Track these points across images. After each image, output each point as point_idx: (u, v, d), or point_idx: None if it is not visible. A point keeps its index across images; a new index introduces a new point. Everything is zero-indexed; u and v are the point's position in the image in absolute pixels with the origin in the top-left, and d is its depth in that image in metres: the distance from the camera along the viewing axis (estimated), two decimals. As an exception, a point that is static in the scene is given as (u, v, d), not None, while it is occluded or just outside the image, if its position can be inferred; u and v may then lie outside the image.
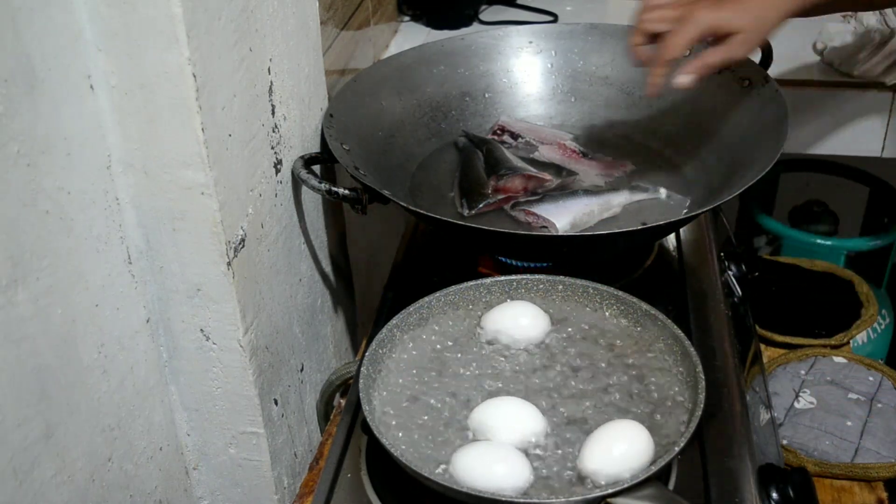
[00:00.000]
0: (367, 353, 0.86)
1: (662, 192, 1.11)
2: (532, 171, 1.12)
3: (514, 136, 1.22)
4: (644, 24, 0.96)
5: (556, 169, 1.15)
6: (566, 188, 1.10)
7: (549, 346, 0.89)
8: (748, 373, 0.99)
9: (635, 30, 0.97)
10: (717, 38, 0.93)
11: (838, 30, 1.52)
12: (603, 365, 0.87)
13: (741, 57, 0.95)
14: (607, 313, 0.92)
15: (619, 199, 1.09)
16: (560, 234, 1.03)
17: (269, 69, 0.92)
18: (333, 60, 1.27)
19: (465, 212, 1.08)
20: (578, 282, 0.93)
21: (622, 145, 1.21)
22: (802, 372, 1.12)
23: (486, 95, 1.26)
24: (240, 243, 0.88)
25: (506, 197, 1.09)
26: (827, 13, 0.98)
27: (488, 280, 0.94)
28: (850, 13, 1.53)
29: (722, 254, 1.14)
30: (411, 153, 1.19)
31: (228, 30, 0.83)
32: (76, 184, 0.75)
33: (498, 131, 1.22)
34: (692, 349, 0.84)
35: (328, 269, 1.15)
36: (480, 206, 1.07)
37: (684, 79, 0.95)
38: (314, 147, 1.07)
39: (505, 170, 1.10)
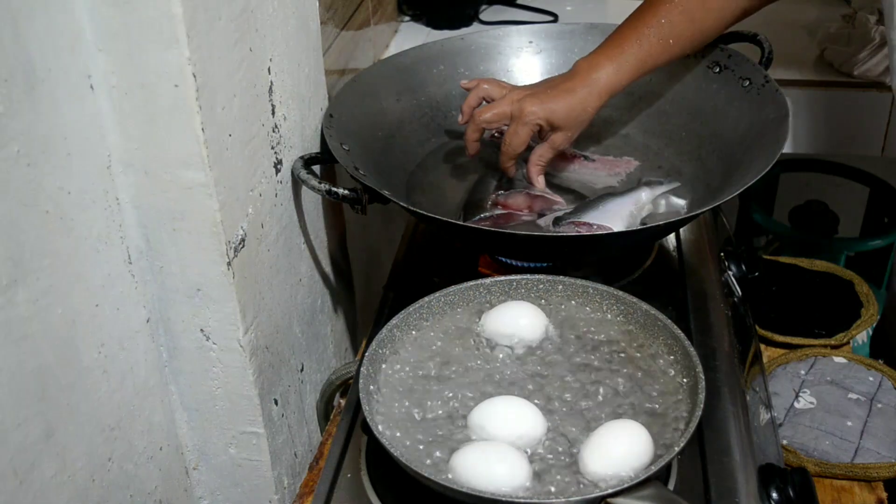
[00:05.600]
0: (367, 353, 0.86)
1: (675, 182, 1.12)
2: (539, 190, 1.10)
3: None
4: (481, 123, 1.08)
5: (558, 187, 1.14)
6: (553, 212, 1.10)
7: (549, 347, 0.89)
8: (748, 373, 0.99)
9: (472, 125, 1.09)
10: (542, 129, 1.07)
11: (838, 30, 1.52)
12: (603, 365, 0.87)
13: (561, 149, 1.09)
14: (607, 313, 0.92)
15: (645, 197, 1.09)
16: (559, 234, 1.03)
17: (269, 69, 0.92)
18: (333, 60, 1.27)
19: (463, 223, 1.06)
20: (578, 282, 0.93)
21: (622, 145, 1.21)
22: (802, 372, 1.12)
23: (487, 95, 1.26)
24: (240, 243, 0.88)
25: (506, 213, 1.08)
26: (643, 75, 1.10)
27: (488, 280, 0.94)
28: (849, 12, 1.53)
29: (722, 254, 1.14)
30: (411, 153, 1.19)
31: (228, 30, 0.82)
32: (76, 184, 0.75)
33: (496, 134, 1.22)
34: (692, 349, 0.83)
35: (328, 269, 1.15)
36: (475, 219, 1.06)
37: (538, 181, 1.10)
38: (314, 147, 1.07)
39: (510, 186, 1.09)
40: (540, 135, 1.08)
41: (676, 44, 1.07)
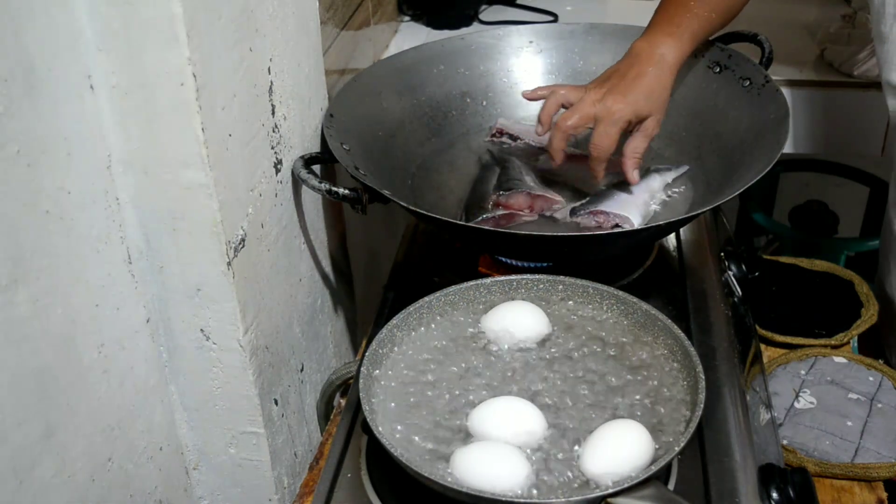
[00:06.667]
0: (367, 353, 0.86)
1: (685, 167, 1.13)
2: (540, 189, 1.10)
3: (514, 138, 1.22)
4: (568, 130, 1.04)
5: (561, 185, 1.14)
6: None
7: (549, 347, 0.89)
8: (748, 373, 0.99)
9: (559, 133, 1.05)
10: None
11: (838, 30, 1.52)
12: (603, 365, 0.87)
13: (655, 135, 1.06)
14: (607, 313, 0.92)
15: (656, 184, 1.09)
16: (559, 234, 1.03)
17: (269, 69, 0.92)
18: (333, 60, 1.27)
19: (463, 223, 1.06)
20: (578, 282, 0.93)
21: (622, 145, 1.21)
22: (802, 372, 1.12)
23: (487, 95, 1.26)
24: (240, 243, 0.88)
25: (507, 213, 1.08)
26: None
27: (488, 280, 0.94)
28: (849, 12, 1.53)
29: (722, 254, 1.14)
30: (411, 153, 1.19)
31: (228, 30, 0.82)
32: (76, 184, 0.75)
33: (497, 134, 1.22)
34: (692, 349, 0.84)
35: (328, 269, 1.15)
36: (478, 219, 1.06)
37: (634, 175, 1.06)
38: (314, 147, 1.07)
39: (510, 186, 1.09)
40: (627, 128, 1.06)
41: (717, 17, 1.08)
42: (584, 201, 1.07)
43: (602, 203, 1.06)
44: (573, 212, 1.06)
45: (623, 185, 1.08)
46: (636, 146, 1.06)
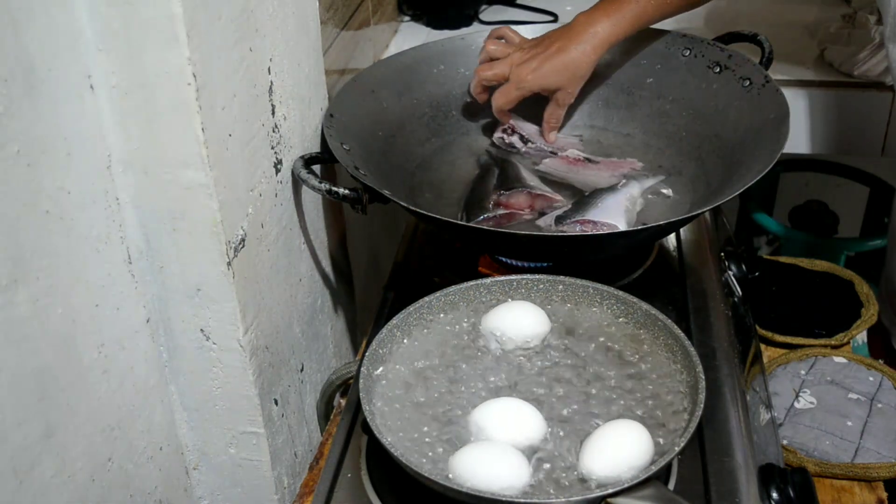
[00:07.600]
0: (367, 353, 0.86)
1: (661, 176, 1.13)
2: (540, 189, 1.10)
3: (524, 140, 1.21)
4: (482, 81, 1.18)
5: (557, 185, 1.14)
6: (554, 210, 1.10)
7: (549, 347, 0.89)
8: (748, 373, 0.99)
9: (475, 79, 1.19)
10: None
11: (838, 30, 1.52)
12: (603, 365, 0.87)
13: (569, 104, 1.18)
14: (607, 313, 0.92)
15: (634, 191, 1.10)
16: (560, 234, 1.03)
17: (269, 69, 0.92)
18: (333, 60, 1.27)
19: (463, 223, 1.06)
20: (578, 282, 0.93)
21: (623, 145, 1.21)
22: (802, 372, 1.12)
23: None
24: (240, 243, 0.88)
25: (508, 213, 1.08)
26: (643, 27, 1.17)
27: (488, 280, 0.94)
28: (849, 12, 1.53)
29: (722, 254, 1.14)
30: (411, 153, 1.19)
31: (228, 30, 0.83)
32: (76, 184, 0.75)
33: (508, 130, 1.22)
34: (692, 349, 0.84)
35: (328, 269, 1.15)
36: (479, 219, 1.06)
37: (550, 137, 1.20)
38: (314, 147, 1.07)
39: (511, 186, 1.09)
40: (540, 94, 1.16)
41: (672, 2, 1.14)
42: (566, 209, 1.07)
43: (587, 212, 1.05)
44: (558, 220, 1.06)
45: (604, 192, 1.08)
46: (550, 113, 1.18)
